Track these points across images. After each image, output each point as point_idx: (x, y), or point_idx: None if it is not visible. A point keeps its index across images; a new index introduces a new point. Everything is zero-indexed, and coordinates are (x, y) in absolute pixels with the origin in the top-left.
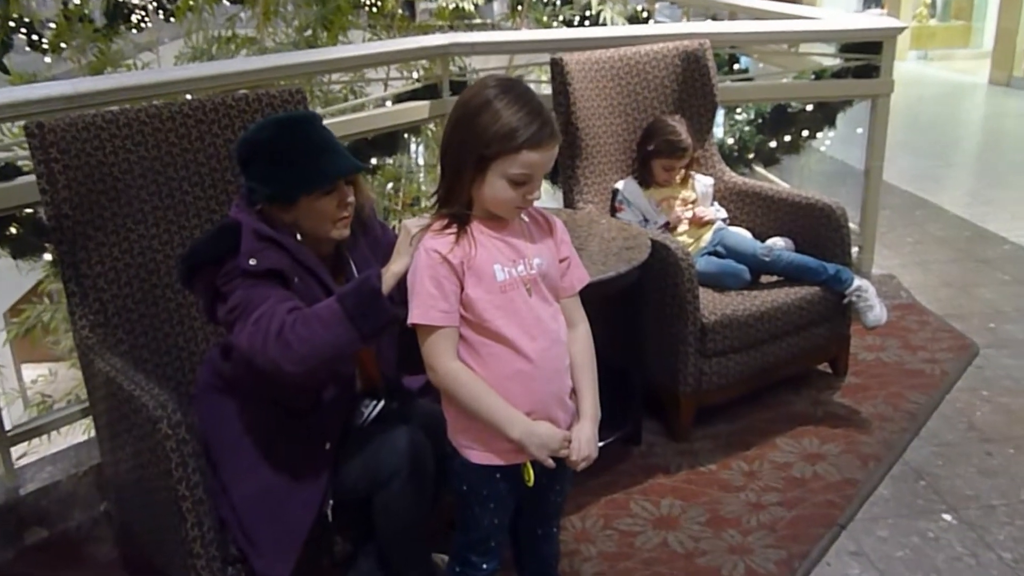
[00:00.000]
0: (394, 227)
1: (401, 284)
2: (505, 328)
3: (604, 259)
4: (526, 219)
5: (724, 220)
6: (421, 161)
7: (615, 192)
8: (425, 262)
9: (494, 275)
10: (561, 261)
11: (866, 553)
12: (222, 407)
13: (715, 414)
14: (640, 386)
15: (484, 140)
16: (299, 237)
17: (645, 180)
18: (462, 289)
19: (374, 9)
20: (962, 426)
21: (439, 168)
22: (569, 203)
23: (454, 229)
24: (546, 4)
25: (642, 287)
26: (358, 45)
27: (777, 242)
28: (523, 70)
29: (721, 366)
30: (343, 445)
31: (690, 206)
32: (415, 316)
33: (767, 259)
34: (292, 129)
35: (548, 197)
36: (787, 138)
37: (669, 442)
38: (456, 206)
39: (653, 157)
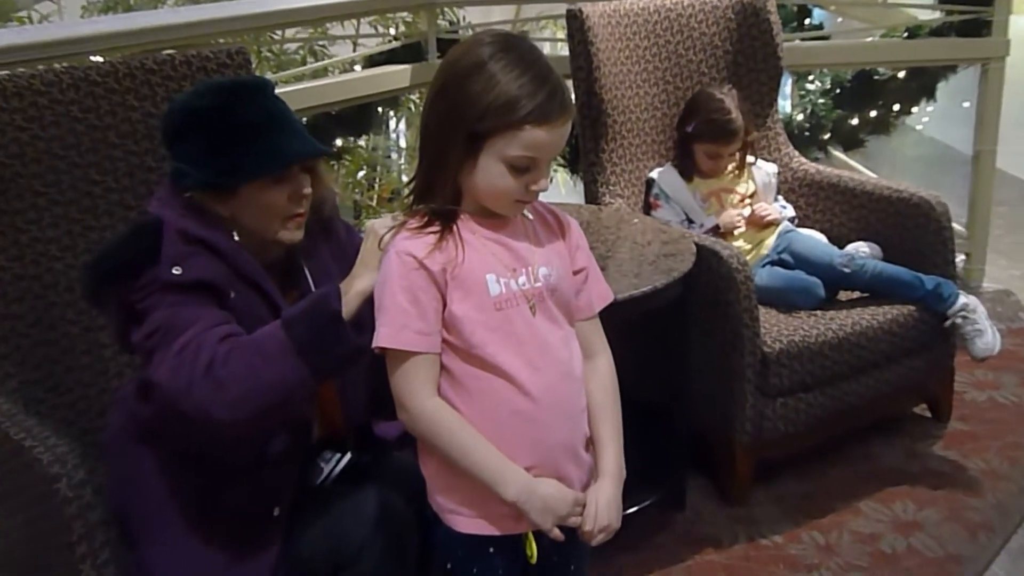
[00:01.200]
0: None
1: (370, 305)
2: (500, 356)
3: (637, 270)
4: (531, 217)
5: (791, 220)
6: (402, 143)
7: (649, 183)
8: (397, 269)
9: (486, 287)
10: (576, 273)
11: None
12: (140, 462)
13: (780, 470)
14: (683, 434)
15: (476, 112)
16: (238, 237)
17: (687, 169)
18: (445, 305)
19: None
20: None
21: (418, 150)
22: (593, 197)
23: (435, 228)
24: None
25: (685, 307)
26: None
27: (860, 248)
28: (532, 25)
29: (788, 408)
30: (297, 511)
31: (747, 202)
32: (382, 338)
33: (847, 270)
34: (237, 98)
35: (569, 191)
36: (873, 114)
37: (721, 506)
38: (439, 199)
39: (694, 141)
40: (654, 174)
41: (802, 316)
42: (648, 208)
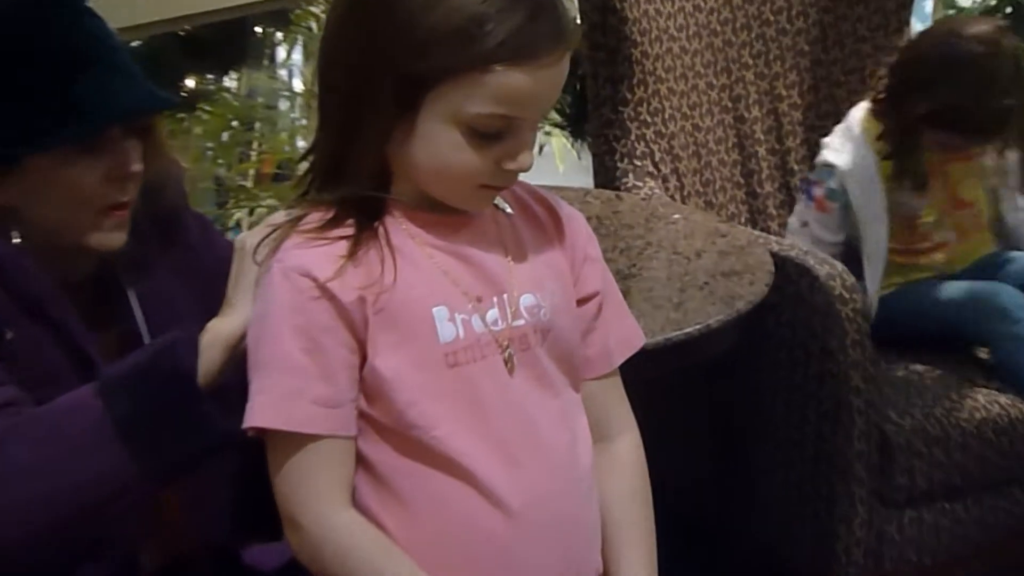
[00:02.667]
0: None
1: (244, 361)
2: (457, 443)
3: (678, 297)
4: (508, 211)
5: None
6: (296, 84)
7: (825, 168)
8: (285, 298)
9: (434, 328)
10: (584, 301)
11: None
12: None
13: None
14: (749, 564)
15: (412, 44)
16: (19, 240)
17: (910, 168)
18: (364, 358)
19: None
20: None
21: (319, 103)
22: (608, 178)
23: (348, 230)
24: None
25: (754, 358)
26: None
27: None
28: None
29: (923, 527)
30: None
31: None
32: (261, 412)
33: None
34: (18, 11)
35: (571, 168)
36: None
37: None
38: (353, 183)
39: (930, 125)
40: (833, 156)
41: (947, 379)
42: (810, 200)
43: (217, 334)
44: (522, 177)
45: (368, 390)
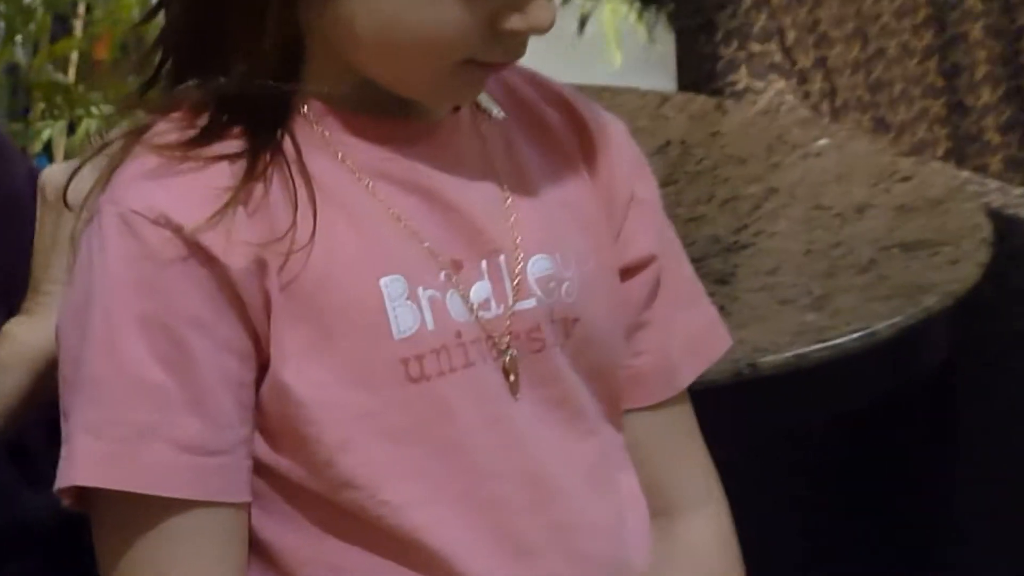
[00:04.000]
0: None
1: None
2: (421, 513)
3: (822, 287)
4: (496, 113)
5: None
6: None
7: None
8: (120, 267)
9: (382, 312)
10: (628, 274)
11: None
12: None
13: None
14: None
15: None
16: None
17: None
18: (262, 367)
19: None
20: None
21: None
22: (700, 77)
23: (229, 147)
24: None
25: (954, 388)
26: None
27: None
28: None
29: None
30: None
31: None
32: (79, 468)
33: None
34: None
35: (634, 59)
36: None
37: None
38: (233, 67)
39: None
40: None
41: None
42: None
43: (18, 348)
44: (545, 69)
45: (271, 423)
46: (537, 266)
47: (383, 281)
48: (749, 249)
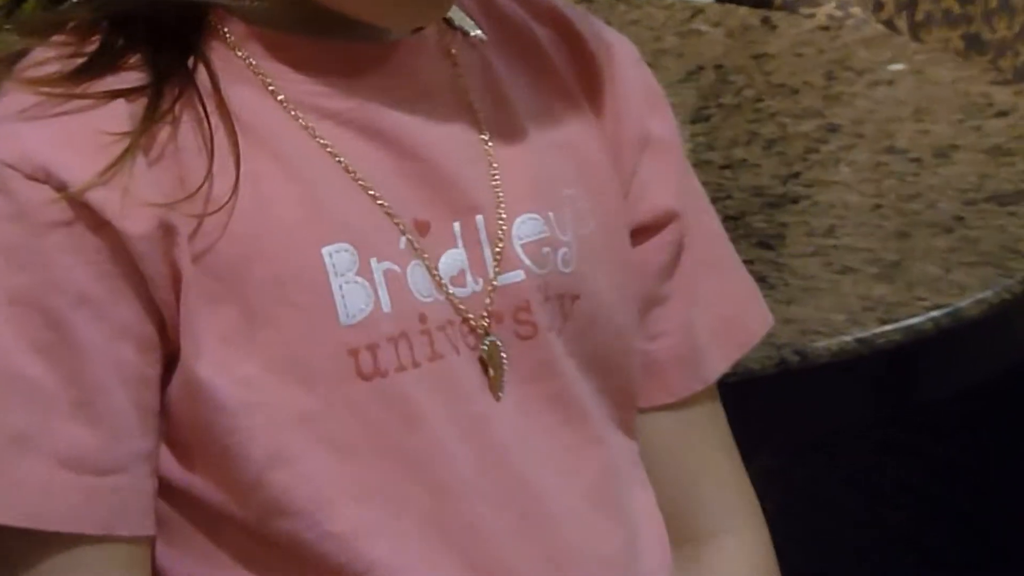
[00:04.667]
0: None
1: None
2: (378, 545)
3: (895, 250)
4: (474, 33)
5: None
6: None
7: None
8: None
9: (326, 290)
10: (642, 235)
11: None
12: None
13: None
14: None
15: None
16: None
17: None
18: (169, 359)
19: None
20: None
21: None
22: None
23: (126, 79)
24: None
25: None
26: None
27: None
28: None
29: None
30: None
31: None
32: None
33: None
34: None
35: None
36: None
37: None
38: None
39: None
40: None
41: None
42: None
43: None
44: None
45: (182, 433)
46: (525, 228)
47: (326, 251)
48: (800, 203)
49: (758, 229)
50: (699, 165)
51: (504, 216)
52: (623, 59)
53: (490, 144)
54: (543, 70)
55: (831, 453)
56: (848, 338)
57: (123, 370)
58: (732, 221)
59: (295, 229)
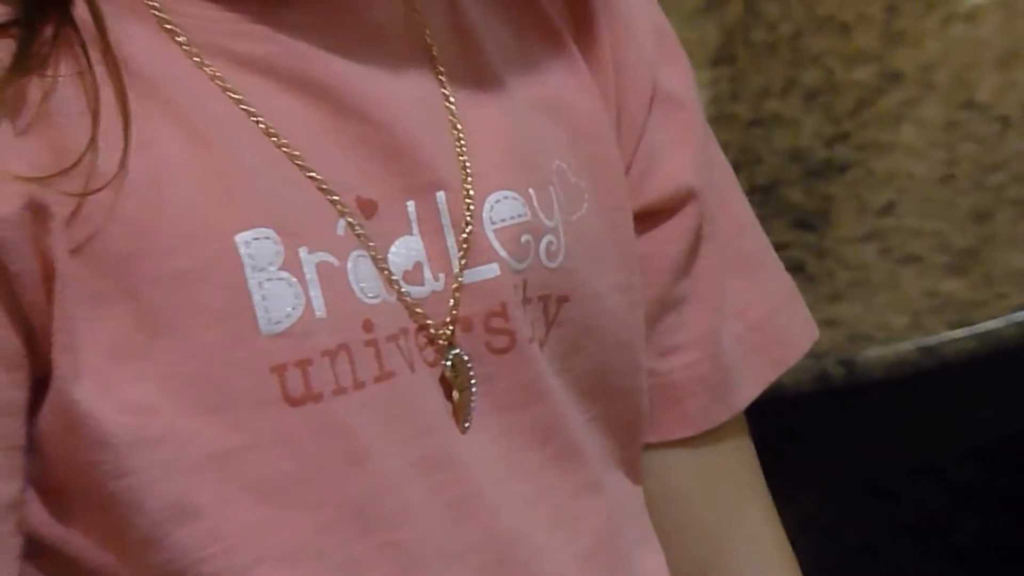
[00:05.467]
0: None
1: None
2: None
3: (973, 235)
4: None
5: None
6: None
7: None
8: None
9: (243, 290)
10: (650, 218)
11: None
12: None
13: None
14: None
15: None
16: None
17: None
18: (37, 379)
19: None
20: None
21: None
22: None
23: None
24: None
25: None
26: None
27: None
28: None
29: None
30: None
31: None
32: None
33: None
34: None
35: None
36: None
37: None
38: None
39: None
40: None
41: None
42: None
43: None
44: None
45: (56, 474)
46: (500, 209)
47: (241, 238)
48: (850, 172)
49: (795, 204)
50: (720, 120)
51: (472, 193)
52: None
53: (454, 101)
54: (522, 6)
55: (886, 496)
56: (908, 346)
57: None
58: (762, 193)
59: (201, 211)
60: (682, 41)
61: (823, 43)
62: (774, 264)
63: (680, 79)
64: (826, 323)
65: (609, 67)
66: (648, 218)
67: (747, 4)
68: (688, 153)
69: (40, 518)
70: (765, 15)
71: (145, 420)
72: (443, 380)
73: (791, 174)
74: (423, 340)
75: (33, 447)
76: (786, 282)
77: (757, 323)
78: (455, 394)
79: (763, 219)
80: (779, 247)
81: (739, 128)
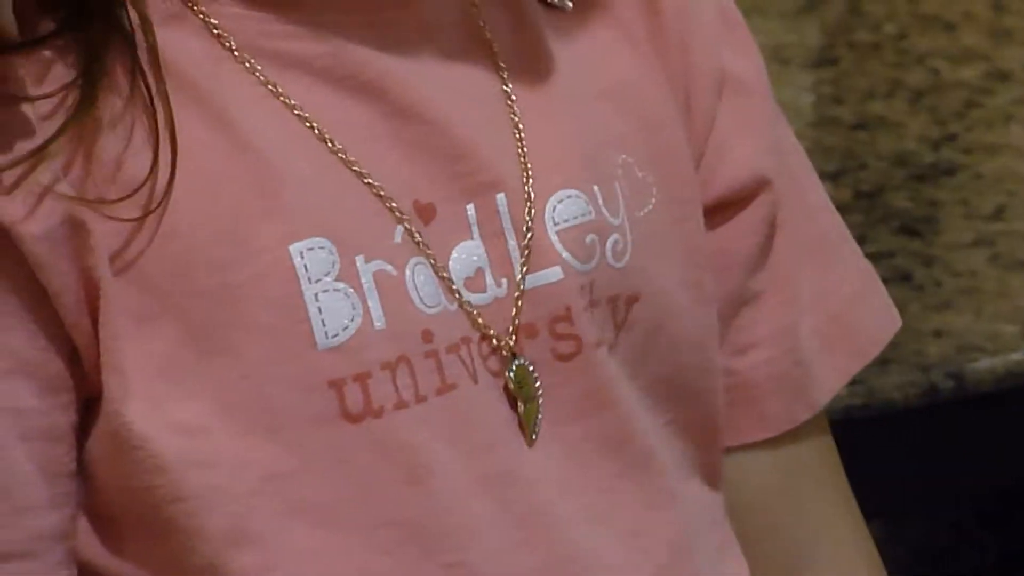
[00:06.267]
0: None
1: None
2: None
3: None
4: None
5: None
6: None
7: None
8: None
9: (298, 304)
10: (721, 212)
11: None
12: None
13: None
14: None
15: None
16: None
17: None
18: (92, 399)
19: None
20: None
21: None
22: None
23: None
24: None
25: None
26: None
27: None
28: None
29: None
30: None
31: None
32: None
33: None
34: None
35: None
36: None
37: None
38: None
39: None
40: None
41: None
42: None
43: None
44: None
45: (108, 501)
46: (563, 209)
47: (296, 248)
48: (958, 175)
49: (901, 210)
50: (823, 124)
51: (534, 194)
52: None
53: (515, 97)
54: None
55: (998, 524)
56: (1020, 356)
57: (20, 420)
58: (866, 199)
59: (250, 221)
60: (783, 43)
61: (928, 42)
62: (850, 249)
63: (748, 63)
64: (934, 334)
65: (675, 52)
66: (720, 211)
67: (850, 3)
68: (759, 140)
69: (94, 549)
70: (868, 15)
71: (198, 442)
72: (507, 391)
73: (896, 179)
74: (486, 349)
75: (85, 474)
76: (864, 267)
77: (835, 312)
78: (520, 406)
79: (867, 226)
80: (884, 255)
81: (842, 132)
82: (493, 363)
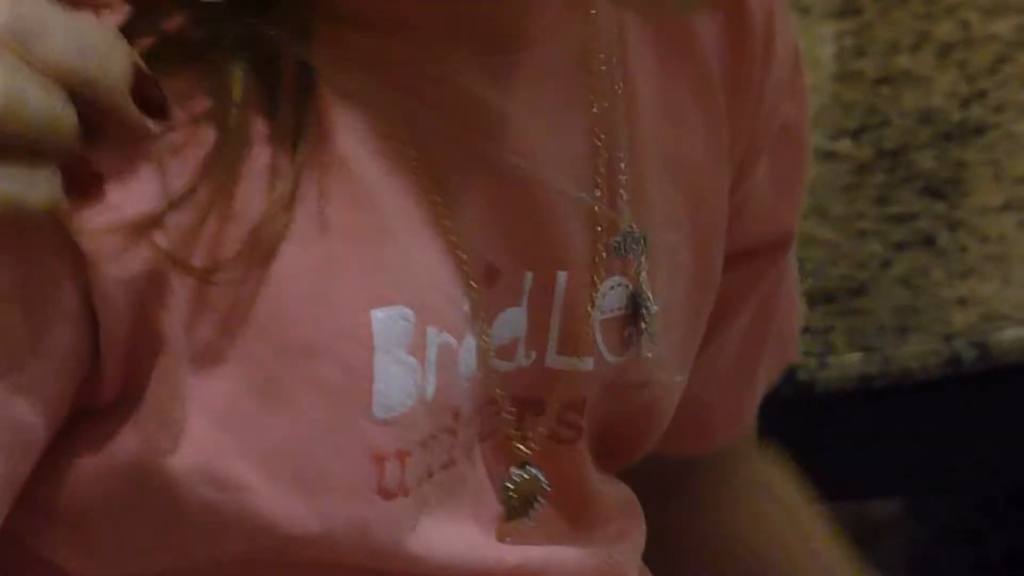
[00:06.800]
0: None
1: None
2: None
3: None
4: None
5: None
6: None
7: None
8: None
9: (367, 373)
10: (742, 260)
11: None
12: None
13: None
14: None
15: None
16: None
17: None
18: (77, 416)
19: None
20: None
21: None
22: None
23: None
24: None
25: None
26: None
27: None
28: None
29: None
30: None
31: None
32: None
33: None
34: None
35: None
36: None
37: None
38: None
39: None
40: None
41: None
42: None
43: None
44: None
45: (92, 520)
46: (612, 298)
47: (378, 315)
48: (988, 135)
49: (926, 170)
50: (845, 78)
51: (594, 279)
52: (779, 20)
53: (603, 170)
54: (682, 43)
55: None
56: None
57: (12, 435)
58: (889, 158)
59: (343, 279)
60: None
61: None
62: (796, 278)
63: (799, 106)
64: (958, 301)
65: (753, 103)
66: (738, 259)
67: None
68: (796, 193)
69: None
70: None
71: (228, 495)
72: (508, 492)
73: (921, 137)
74: (490, 424)
75: (57, 487)
76: (797, 294)
77: (782, 335)
78: (512, 516)
79: (890, 187)
80: (906, 217)
81: (865, 87)
82: (499, 452)
